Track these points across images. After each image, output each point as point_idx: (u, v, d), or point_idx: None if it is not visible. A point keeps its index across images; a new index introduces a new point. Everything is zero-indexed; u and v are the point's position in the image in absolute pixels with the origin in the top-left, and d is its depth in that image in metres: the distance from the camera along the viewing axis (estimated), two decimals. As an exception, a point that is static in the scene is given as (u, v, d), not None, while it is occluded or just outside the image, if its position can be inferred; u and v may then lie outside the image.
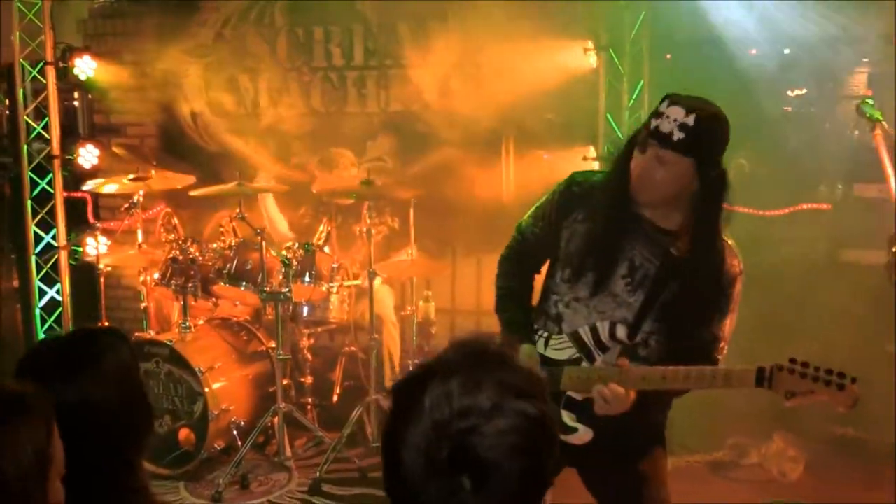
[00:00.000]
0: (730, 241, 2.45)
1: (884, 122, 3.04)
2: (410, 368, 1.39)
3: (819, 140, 5.58)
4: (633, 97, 4.91)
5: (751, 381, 2.20)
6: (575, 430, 2.46)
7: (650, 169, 2.32)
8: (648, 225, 2.43)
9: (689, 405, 4.74)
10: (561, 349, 2.52)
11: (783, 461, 4.53)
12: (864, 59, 5.58)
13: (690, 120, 2.25)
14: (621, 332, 2.43)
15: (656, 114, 2.33)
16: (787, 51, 5.25)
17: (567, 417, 2.47)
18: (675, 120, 2.26)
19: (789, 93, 5.88)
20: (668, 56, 5.23)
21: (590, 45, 5.14)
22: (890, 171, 2.98)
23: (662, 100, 2.34)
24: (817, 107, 5.85)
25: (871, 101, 3.32)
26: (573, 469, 2.64)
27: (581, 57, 5.14)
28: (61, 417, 1.61)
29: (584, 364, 2.48)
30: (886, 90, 5.49)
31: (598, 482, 2.62)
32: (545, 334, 2.56)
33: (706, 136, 2.29)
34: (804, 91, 5.85)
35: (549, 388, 2.40)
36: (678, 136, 2.26)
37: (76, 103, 6.45)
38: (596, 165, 5.14)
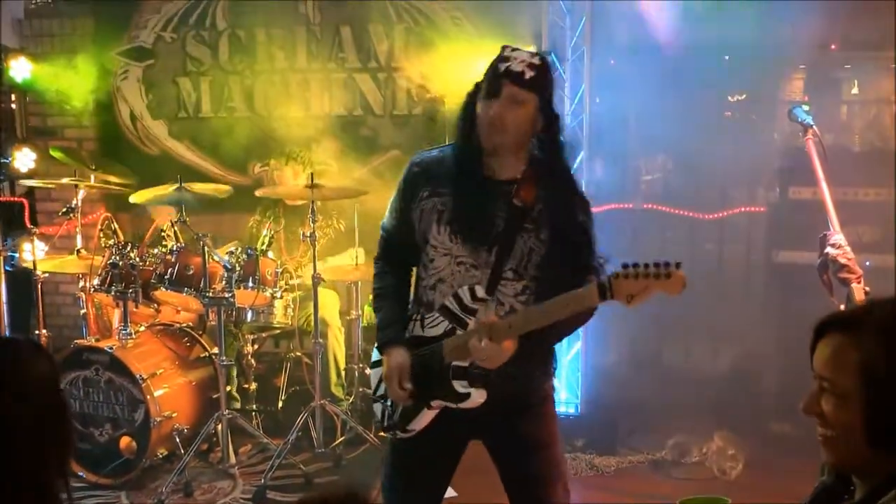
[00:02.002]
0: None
1: (815, 127, 3.11)
2: None
3: (757, 144, 5.70)
4: (574, 101, 4.94)
5: (595, 296, 2.22)
6: (468, 394, 2.50)
7: (505, 110, 2.40)
8: (489, 181, 2.51)
9: (632, 406, 4.86)
10: (435, 326, 2.57)
11: (723, 460, 4.62)
12: (801, 66, 5.71)
13: (537, 60, 2.43)
14: (480, 291, 2.48)
15: (501, 58, 2.44)
16: (727, 57, 5.35)
17: (458, 385, 2.51)
18: (522, 61, 2.41)
19: (730, 98, 6.00)
20: (613, 62, 5.29)
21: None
22: (821, 174, 3.06)
23: (502, 49, 2.47)
24: (756, 112, 5.98)
25: (805, 107, 3.40)
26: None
27: (523, 61, 5.16)
28: None
29: (459, 332, 2.52)
30: (822, 96, 5.65)
31: (496, 448, 2.69)
32: (418, 317, 2.62)
33: (549, 74, 2.46)
34: (744, 96, 5.97)
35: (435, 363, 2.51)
36: (529, 74, 2.40)
37: (13, 105, 6.31)
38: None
